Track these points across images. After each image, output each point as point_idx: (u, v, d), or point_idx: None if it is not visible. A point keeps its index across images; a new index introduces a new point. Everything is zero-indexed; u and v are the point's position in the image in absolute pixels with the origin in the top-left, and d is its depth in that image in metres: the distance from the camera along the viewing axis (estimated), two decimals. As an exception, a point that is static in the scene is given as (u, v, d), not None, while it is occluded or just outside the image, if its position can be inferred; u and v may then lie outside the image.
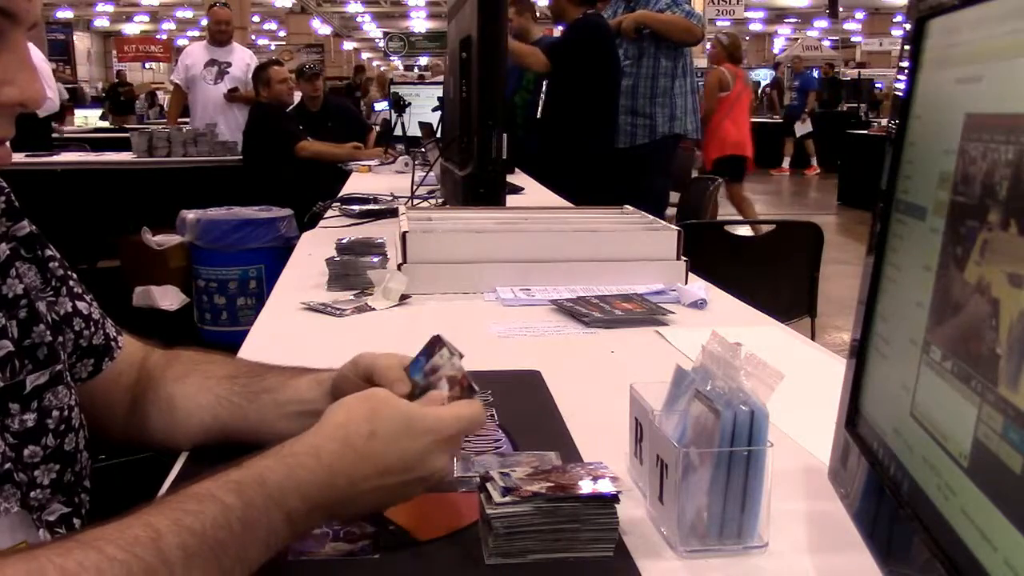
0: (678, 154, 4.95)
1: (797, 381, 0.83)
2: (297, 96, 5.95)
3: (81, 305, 0.90)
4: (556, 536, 0.73)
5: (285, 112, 5.45)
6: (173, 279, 4.78)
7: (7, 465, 0.74)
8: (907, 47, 0.62)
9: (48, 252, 0.88)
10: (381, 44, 30.65)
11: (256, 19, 28.23)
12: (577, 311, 1.53)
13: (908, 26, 0.62)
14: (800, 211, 9.73)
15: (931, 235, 0.54)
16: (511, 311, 1.60)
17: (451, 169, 2.48)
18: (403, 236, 1.72)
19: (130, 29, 29.86)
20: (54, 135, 7.74)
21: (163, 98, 16.05)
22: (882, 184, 0.64)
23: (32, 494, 0.77)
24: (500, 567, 0.72)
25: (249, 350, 1.29)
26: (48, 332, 0.82)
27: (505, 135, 2.09)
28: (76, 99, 13.54)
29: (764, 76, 20.32)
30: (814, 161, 13.74)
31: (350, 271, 1.75)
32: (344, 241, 1.88)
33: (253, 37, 25.24)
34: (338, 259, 1.78)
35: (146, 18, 29.94)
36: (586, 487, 0.74)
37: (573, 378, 1.23)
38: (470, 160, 2.12)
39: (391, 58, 27.75)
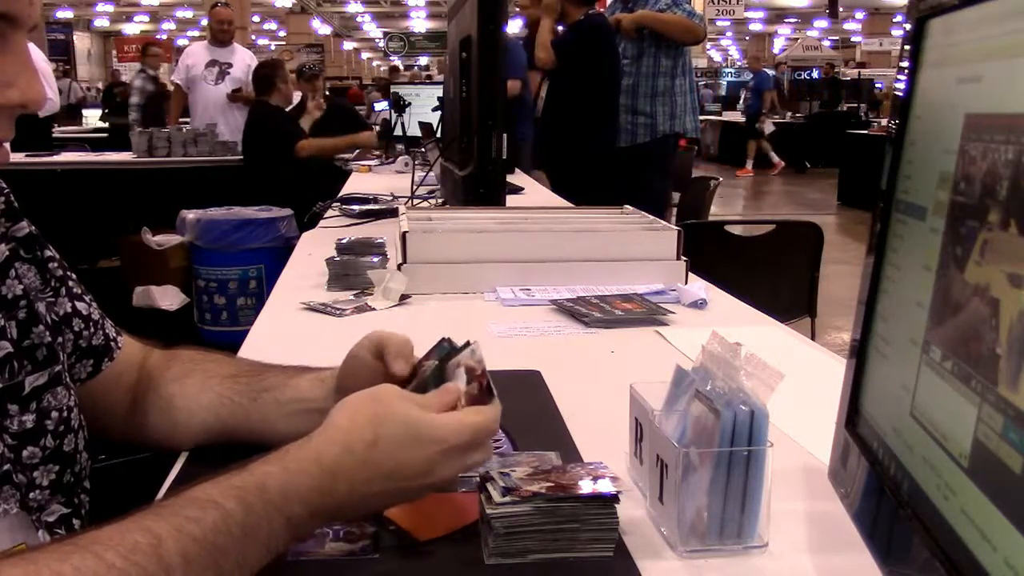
0: (678, 153, 4.97)
1: (797, 381, 0.83)
2: (297, 96, 5.95)
3: (80, 306, 0.90)
4: (556, 536, 0.73)
5: (285, 112, 5.44)
6: (173, 279, 4.78)
7: (6, 466, 0.73)
8: (907, 47, 0.62)
9: (47, 253, 0.88)
10: (381, 44, 30.67)
11: (256, 19, 28.22)
12: (577, 311, 1.53)
13: (908, 26, 0.62)
14: (800, 211, 9.72)
15: (931, 235, 0.54)
16: (511, 311, 1.60)
17: (451, 169, 2.48)
18: (403, 236, 1.72)
19: (130, 29, 29.85)
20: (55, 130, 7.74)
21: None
22: (882, 184, 0.64)
23: (31, 495, 0.77)
24: (500, 567, 0.72)
25: (249, 350, 1.29)
26: (47, 333, 0.81)
27: (505, 135, 2.09)
28: (85, 104, 13.56)
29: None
30: (764, 160, 13.70)
31: (350, 271, 1.75)
32: (344, 241, 1.88)
33: (253, 37, 25.23)
34: (338, 259, 1.78)
35: (146, 18, 29.94)
36: (586, 487, 0.74)
37: (573, 378, 1.23)
38: (470, 160, 2.12)
39: (391, 58, 27.76)
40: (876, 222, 0.64)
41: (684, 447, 0.74)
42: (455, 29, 2.51)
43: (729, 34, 32.66)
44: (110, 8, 28.22)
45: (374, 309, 1.59)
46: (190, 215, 4.46)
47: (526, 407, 1.08)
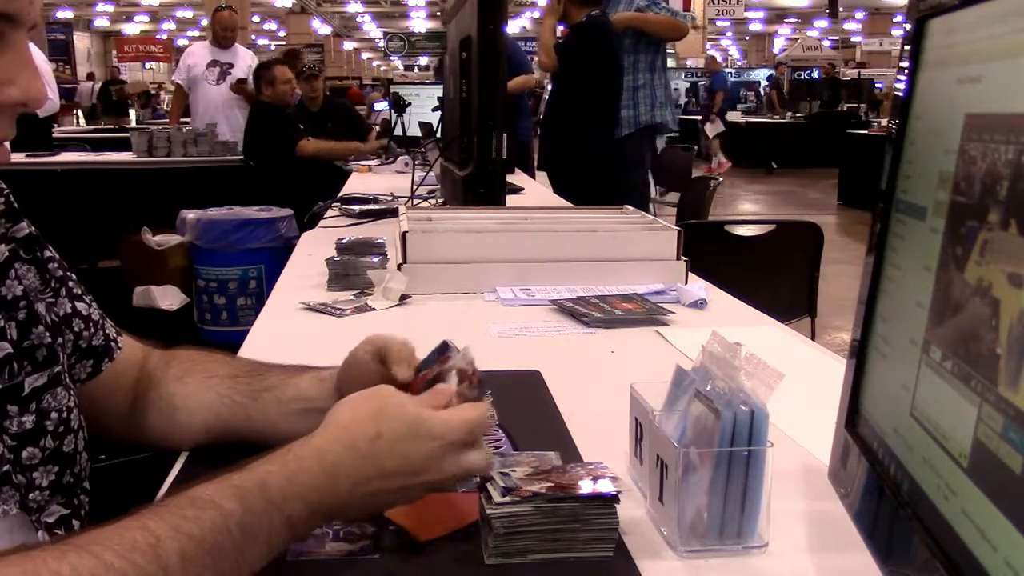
0: (677, 154, 5.04)
1: (797, 381, 0.83)
2: (297, 96, 5.95)
3: (80, 306, 0.90)
4: (556, 536, 0.73)
5: (285, 112, 5.44)
6: (173, 279, 4.78)
7: (5, 467, 0.73)
8: (907, 47, 0.62)
9: (47, 253, 0.88)
10: (381, 44, 30.66)
11: (256, 19, 28.22)
12: (577, 311, 1.53)
13: (908, 26, 0.62)
14: (800, 211, 9.72)
15: (931, 235, 0.54)
16: (511, 311, 1.60)
17: (451, 169, 2.48)
18: (403, 236, 1.72)
19: (130, 29, 29.85)
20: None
21: (163, 97, 16.05)
22: (882, 184, 0.64)
23: (31, 496, 0.77)
24: (500, 567, 0.72)
25: (249, 350, 1.29)
26: (47, 333, 0.81)
27: (505, 135, 2.09)
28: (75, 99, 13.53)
29: (764, 76, 20.36)
30: (717, 160, 13.62)
31: (350, 271, 1.75)
32: (344, 241, 1.88)
33: (253, 37, 25.22)
34: (338, 259, 1.78)
35: (146, 18, 29.93)
36: (586, 487, 0.74)
37: (573, 378, 1.23)
38: (470, 160, 2.12)
39: (391, 58, 27.75)
40: (876, 222, 0.64)
41: (684, 447, 0.74)
42: (455, 29, 2.51)
43: (729, 34, 32.68)
44: (110, 8, 28.22)
45: (374, 309, 1.59)
46: (190, 215, 4.46)
47: (526, 407, 1.08)
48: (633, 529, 0.78)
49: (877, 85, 16.39)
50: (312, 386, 0.91)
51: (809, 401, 0.96)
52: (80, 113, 12.31)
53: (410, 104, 4.58)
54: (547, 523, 0.72)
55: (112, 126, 10.48)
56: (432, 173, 3.03)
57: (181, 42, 24.50)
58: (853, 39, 30.07)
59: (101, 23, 30.19)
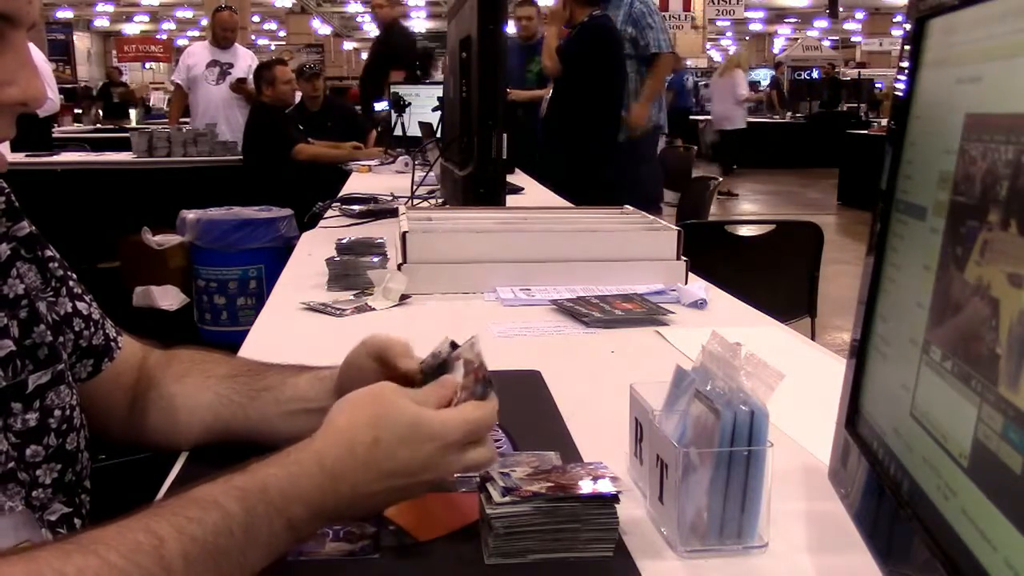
0: (677, 154, 5.18)
1: (797, 381, 0.83)
2: (297, 96, 5.95)
3: (81, 305, 0.90)
4: (556, 536, 0.73)
5: (285, 113, 5.44)
6: (173, 279, 4.78)
7: (10, 464, 0.74)
8: (907, 47, 0.62)
9: (48, 252, 0.88)
10: (381, 44, 30.58)
11: (256, 19, 28.19)
12: (577, 311, 1.53)
13: (908, 26, 0.62)
14: (800, 211, 9.71)
15: (931, 235, 0.54)
16: (511, 311, 1.60)
17: (451, 169, 2.48)
18: (403, 236, 1.71)
19: (130, 29, 29.83)
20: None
21: (163, 99, 16.02)
22: (882, 184, 0.64)
23: (34, 493, 0.77)
24: (500, 567, 0.72)
25: (249, 350, 1.29)
26: (49, 332, 0.82)
27: (505, 135, 2.09)
28: (75, 99, 13.51)
29: (764, 76, 20.34)
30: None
31: (350, 271, 1.75)
32: (344, 241, 1.88)
33: (253, 37, 25.20)
34: (338, 259, 1.78)
35: (146, 18, 29.91)
36: (586, 487, 0.74)
37: (573, 378, 1.23)
38: (470, 160, 2.12)
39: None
40: (876, 222, 0.64)
41: (684, 447, 0.74)
42: (455, 29, 2.51)
43: (729, 34, 32.65)
44: (110, 8, 28.19)
45: (374, 309, 1.59)
46: (190, 215, 4.46)
47: (526, 407, 1.08)
48: (633, 529, 0.78)
49: (877, 85, 16.40)
50: (311, 386, 0.90)
51: (809, 401, 0.96)
52: (80, 111, 12.30)
53: (410, 104, 4.57)
54: (547, 523, 0.72)
55: (112, 126, 10.48)
56: (432, 173, 3.03)
57: (181, 42, 24.47)
58: (853, 39, 30.05)
59: (101, 23, 30.16)
